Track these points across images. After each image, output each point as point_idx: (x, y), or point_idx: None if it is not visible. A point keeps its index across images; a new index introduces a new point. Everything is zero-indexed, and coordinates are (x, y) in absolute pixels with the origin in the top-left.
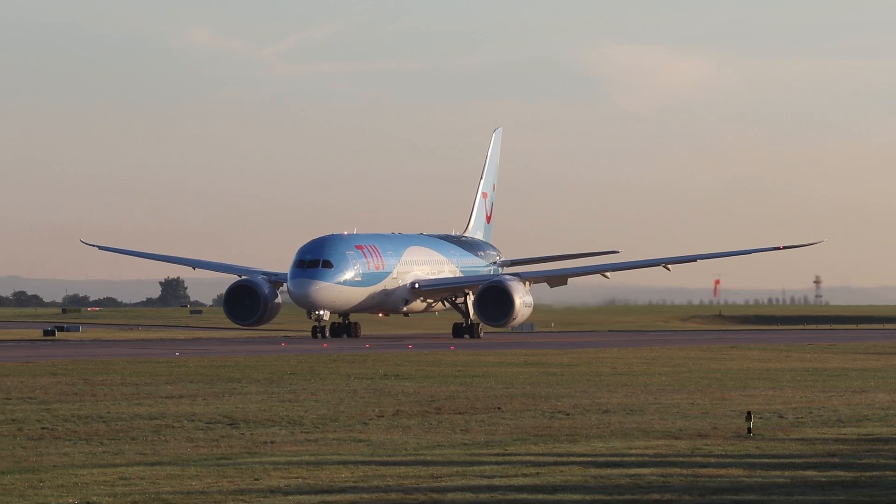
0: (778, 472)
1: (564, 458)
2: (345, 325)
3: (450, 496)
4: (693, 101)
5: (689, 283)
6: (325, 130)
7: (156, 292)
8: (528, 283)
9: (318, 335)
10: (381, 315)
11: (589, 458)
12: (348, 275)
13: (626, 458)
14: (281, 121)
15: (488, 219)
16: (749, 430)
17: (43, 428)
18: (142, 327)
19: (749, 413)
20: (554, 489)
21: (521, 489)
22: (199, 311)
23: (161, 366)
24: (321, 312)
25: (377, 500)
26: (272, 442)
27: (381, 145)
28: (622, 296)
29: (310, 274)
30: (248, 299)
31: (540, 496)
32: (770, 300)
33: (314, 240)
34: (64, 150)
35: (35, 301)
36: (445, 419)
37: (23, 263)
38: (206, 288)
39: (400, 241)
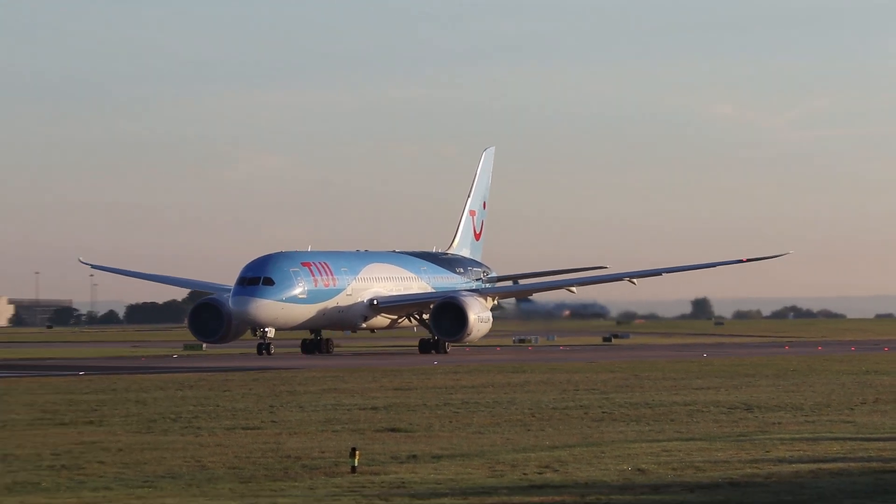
0: None
1: None
2: (316, 342)
3: None
4: None
5: None
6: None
7: (688, 309)
8: (491, 298)
9: (264, 352)
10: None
11: None
12: (291, 292)
13: None
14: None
15: (477, 236)
16: None
17: (603, 412)
18: (672, 335)
19: None
20: None
21: None
22: (721, 323)
23: (693, 364)
24: (266, 329)
25: (862, 468)
26: (779, 423)
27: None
28: None
29: (249, 291)
30: (212, 317)
31: None
32: None
33: (258, 258)
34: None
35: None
36: None
37: None
38: None
39: (358, 258)
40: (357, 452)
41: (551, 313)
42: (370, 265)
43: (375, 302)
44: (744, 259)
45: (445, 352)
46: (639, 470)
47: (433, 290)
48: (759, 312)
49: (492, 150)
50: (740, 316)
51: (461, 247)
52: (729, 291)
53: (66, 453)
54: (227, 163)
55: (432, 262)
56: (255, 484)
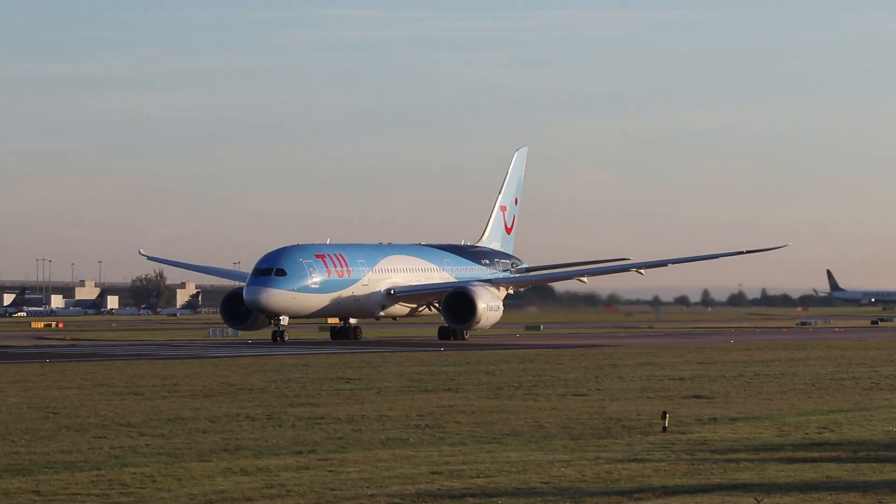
0: None
1: None
2: (344, 329)
3: None
4: None
5: None
6: None
7: None
8: (502, 288)
9: (278, 339)
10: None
11: None
12: (304, 282)
13: None
14: None
15: (508, 230)
16: None
17: (872, 382)
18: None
19: None
20: None
21: None
22: None
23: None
24: (280, 318)
25: None
26: None
27: None
28: None
29: (262, 282)
30: (241, 306)
31: None
32: None
33: (272, 251)
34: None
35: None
36: None
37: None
38: None
39: (377, 250)
40: (667, 415)
41: (859, 301)
42: (389, 257)
43: (392, 291)
44: (744, 251)
45: (463, 338)
46: None
47: (455, 281)
48: None
49: (524, 150)
50: None
51: (491, 240)
52: None
53: (428, 415)
54: None
55: (457, 254)
56: (583, 441)
